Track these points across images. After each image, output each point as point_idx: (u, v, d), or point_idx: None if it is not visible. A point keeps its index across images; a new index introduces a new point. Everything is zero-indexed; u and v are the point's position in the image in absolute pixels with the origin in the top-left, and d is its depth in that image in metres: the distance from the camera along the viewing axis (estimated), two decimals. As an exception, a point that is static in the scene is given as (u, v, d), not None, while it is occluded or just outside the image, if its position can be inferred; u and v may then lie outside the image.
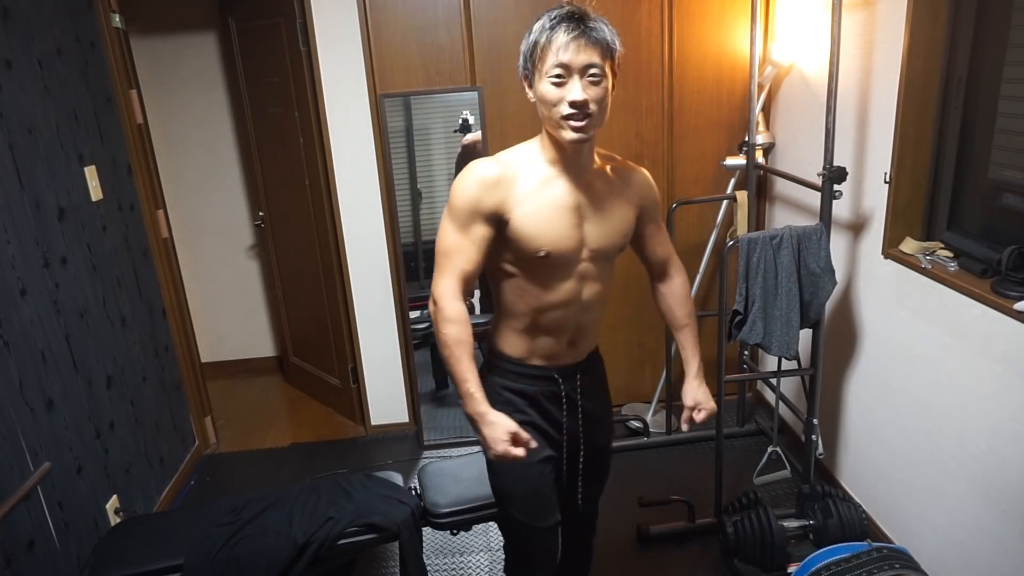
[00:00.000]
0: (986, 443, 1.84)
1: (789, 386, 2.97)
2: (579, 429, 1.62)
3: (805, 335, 2.35)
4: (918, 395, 2.13)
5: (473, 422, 1.41)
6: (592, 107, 1.34)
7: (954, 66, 2.02)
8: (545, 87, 1.36)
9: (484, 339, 1.67)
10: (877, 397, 2.36)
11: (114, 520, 2.37)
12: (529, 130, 1.64)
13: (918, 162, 2.12)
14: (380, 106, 2.85)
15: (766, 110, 3.01)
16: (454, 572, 2.43)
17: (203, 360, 3.47)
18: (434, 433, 3.22)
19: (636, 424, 3.16)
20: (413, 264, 3.09)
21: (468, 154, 2.93)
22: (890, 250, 2.20)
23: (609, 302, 1.63)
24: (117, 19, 2.79)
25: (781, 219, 3.02)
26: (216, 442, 3.37)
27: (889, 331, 2.26)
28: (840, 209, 2.42)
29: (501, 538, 1.76)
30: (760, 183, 3.07)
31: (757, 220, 3.01)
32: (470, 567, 2.45)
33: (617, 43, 1.37)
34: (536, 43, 1.36)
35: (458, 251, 1.43)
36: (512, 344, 1.55)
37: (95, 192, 2.50)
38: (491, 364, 1.60)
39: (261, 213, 3.65)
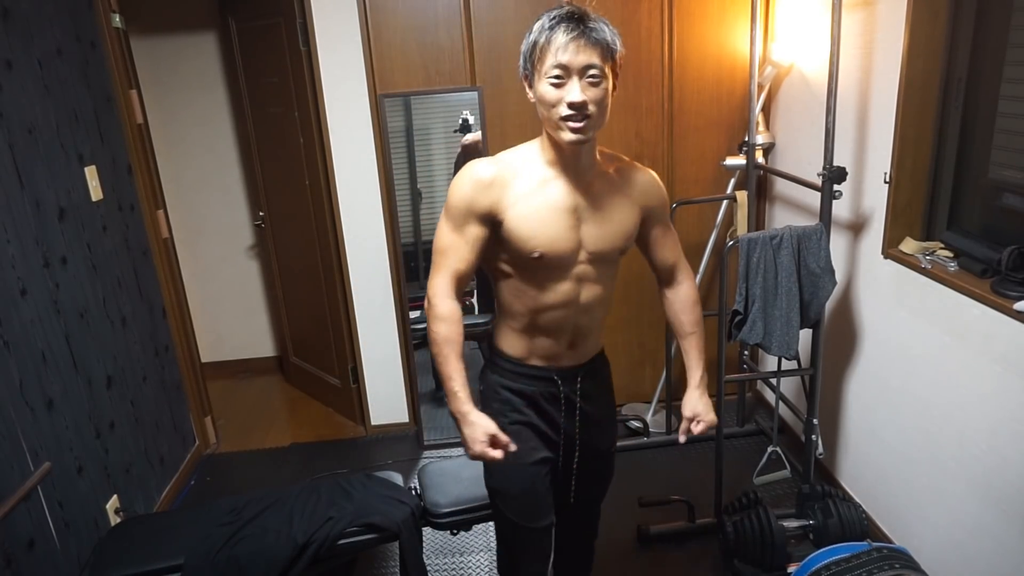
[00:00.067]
0: (986, 443, 1.84)
1: (789, 386, 2.97)
2: (576, 431, 1.61)
3: (805, 335, 2.35)
4: (918, 395, 2.13)
5: (455, 421, 1.42)
6: (591, 108, 1.33)
7: (954, 66, 2.02)
8: (544, 88, 1.35)
9: (484, 339, 1.67)
10: (877, 397, 2.36)
11: (114, 520, 2.37)
12: (529, 130, 1.63)
13: (918, 162, 2.12)
14: (380, 106, 2.85)
15: (766, 110, 3.01)
16: (454, 572, 2.43)
17: (203, 360, 3.47)
18: (434, 433, 3.22)
19: (636, 424, 3.17)
20: (413, 264, 3.09)
21: (468, 154, 2.92)
22: (890, 250, 2.20)
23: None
24: (117, 19, 2.79)
25: (781, 219, 3.02)
26: (216, 442, 3.37)
27: (889, 331, 2.26)
28: (840, 209, 2.42)
29: (499, 536, 1.76)
30: (760, 183, 3.07)
31: (757, 220, 3.01)
32: (470, 567, 2.45)
33: (618, 44, 1.35)
34: (536, 43, 1.35)
35: (452, 250, 1.43)
36: (511, 344, 1.55)
37: (95, 192, 2.50)
38: (491, 363, 1.59)
39: (261, 213, 3.65)
